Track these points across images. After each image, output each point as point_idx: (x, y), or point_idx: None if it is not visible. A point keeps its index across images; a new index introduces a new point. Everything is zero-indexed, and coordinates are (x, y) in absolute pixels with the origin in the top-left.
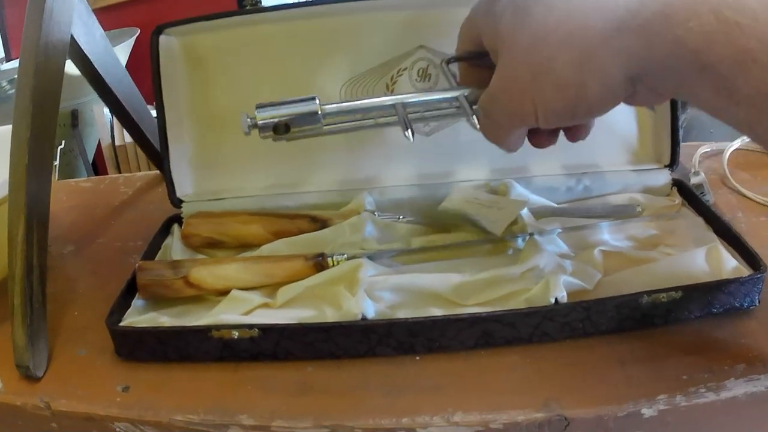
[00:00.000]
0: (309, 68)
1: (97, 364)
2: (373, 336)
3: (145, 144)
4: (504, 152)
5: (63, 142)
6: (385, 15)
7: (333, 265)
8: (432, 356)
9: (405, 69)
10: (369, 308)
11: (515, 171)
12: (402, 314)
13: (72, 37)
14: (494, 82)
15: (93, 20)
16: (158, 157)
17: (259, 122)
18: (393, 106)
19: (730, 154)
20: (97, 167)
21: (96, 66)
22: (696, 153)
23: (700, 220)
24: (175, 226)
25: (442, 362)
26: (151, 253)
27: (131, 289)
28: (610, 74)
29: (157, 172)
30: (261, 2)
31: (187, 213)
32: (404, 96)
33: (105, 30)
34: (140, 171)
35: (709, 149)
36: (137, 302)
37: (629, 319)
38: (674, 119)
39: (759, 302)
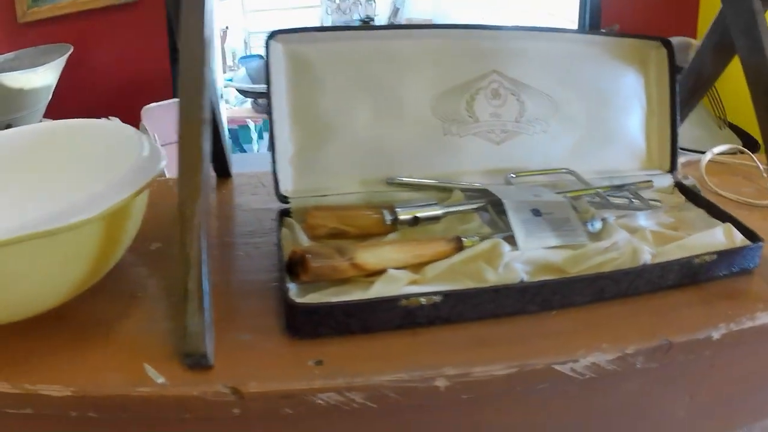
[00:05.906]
0: (401, 83)
1: (268, 346)
2: (526, 295)
3: None
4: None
5: None
6: (467, 42)
7: (469, 246)
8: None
9: (481, 89)
10: (523, 274)
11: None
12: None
13: None
14: None
15: None
16: None
17: (399, 217)
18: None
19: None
20: None
21: None
22: (677, 162)
23: (702, 212)
24: (291, 220)
25: (570, 314)
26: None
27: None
28: None
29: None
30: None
31: (296, 207)
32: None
33: (36, 45)
34: None
35: (684, 159)
36: (291, 287)
37: (684, 276)
38: (674, 132)
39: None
